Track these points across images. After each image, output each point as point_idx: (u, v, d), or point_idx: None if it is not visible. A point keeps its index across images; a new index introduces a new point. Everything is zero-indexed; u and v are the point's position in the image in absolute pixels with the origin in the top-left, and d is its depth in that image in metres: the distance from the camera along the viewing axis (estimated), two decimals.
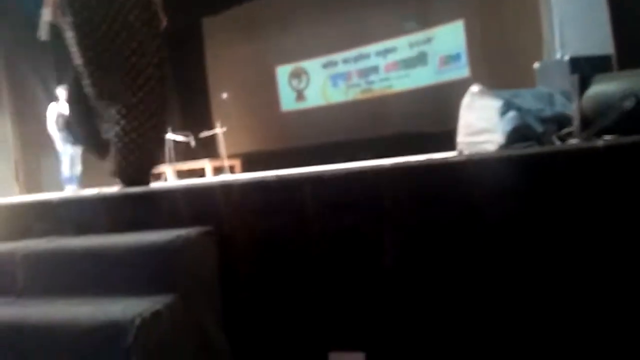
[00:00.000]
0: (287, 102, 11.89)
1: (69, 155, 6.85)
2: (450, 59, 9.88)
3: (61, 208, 2.31)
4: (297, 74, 11.68)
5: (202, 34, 12.45)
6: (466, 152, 3.38)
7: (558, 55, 4.49)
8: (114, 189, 2.80)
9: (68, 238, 2.15)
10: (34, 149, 9.08)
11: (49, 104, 9.12)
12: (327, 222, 1.97)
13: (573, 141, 3.24)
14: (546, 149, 2.20)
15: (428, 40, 10.06)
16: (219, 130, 7.46)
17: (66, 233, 2.23)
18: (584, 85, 2.61)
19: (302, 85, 11.65)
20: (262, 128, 11.75)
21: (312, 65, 11.45)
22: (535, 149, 2.33)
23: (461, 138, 3.55)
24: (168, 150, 7.22)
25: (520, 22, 8.49)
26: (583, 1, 4.11)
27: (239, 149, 10.40)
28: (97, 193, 2.52)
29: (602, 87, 2.61)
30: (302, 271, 2.00)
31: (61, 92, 7.25)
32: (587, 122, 2.65)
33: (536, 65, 4.46)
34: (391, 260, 1.92)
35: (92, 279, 1.92)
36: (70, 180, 6.84)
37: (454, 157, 2.05)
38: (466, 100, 3.55)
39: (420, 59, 10.21)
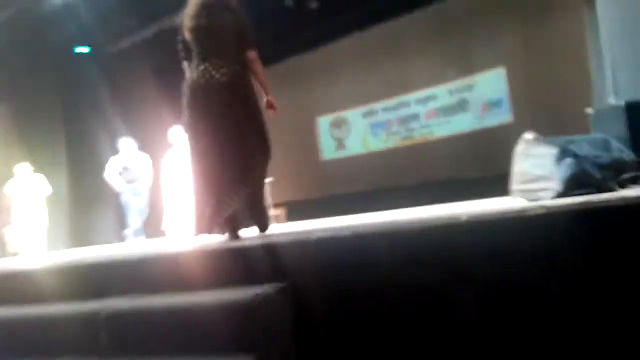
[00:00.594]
0: (328, 151, 12.07)
1: (133, 208, 6.95)
2: (492, 105, 9.90)
3: (141, 265, 2.38)
4: (337, 124, 11.90)
5: None
6: (522, 200, 3.34)
7: (612, 101, 4.43)
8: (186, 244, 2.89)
9: (148, 296, 2.20)
10: (87, 202, 9.47)
11: (108, 157, 9.57)
12: (403, 278, 1.96)
13: (635, 188, 3.16)
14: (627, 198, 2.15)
15: (469, 88, 10.14)
16: (266, 180, 7.57)
17: (145, 291, 2.28)
18: None
19: (343, 134, 11.83)
20: (304, 177, 11.92)
21: (353, 115, 11.66)
22: (614, 198, 2.28)
23: (516, 186, 3.52)
24: None
25: (566, 67, 8.48)
26: (636, 45, 4.08)
27: (282, 198, 10.53)
28: (172, 250, 2.59)
29: None
30: (379, 328, 1.99)
31: (124, 144, 7.45)
32: None
33: (589, 110, 4.40)
34: (469, 318, 1.89)
35: (173, 338, 1.95)
36: (136, 232, 6.94)
37: (530, 208, 2.03)
38: (520, 148, 3.52)
39: (461, 106, 10.26)
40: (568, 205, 1.96)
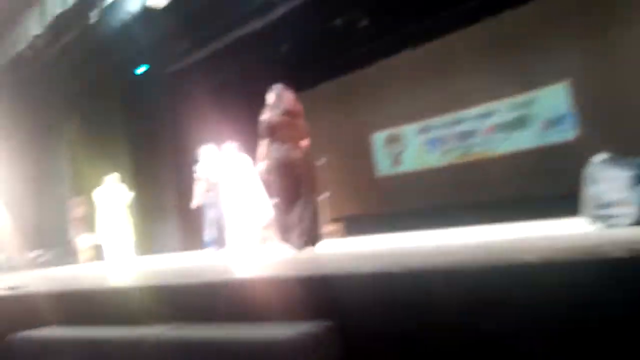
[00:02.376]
0: (384, 167, 11.88)
1: (211, 219, 6.92)
2: (554, 122, 9.42)
3: (182, 293, 2.31)
4: (393, 140, 11.71)
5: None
6: (596, 226, 3.12)
7: None
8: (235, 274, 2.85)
9: (190, 326, 2.12)
10: (150, 212, 9.74)
11: (167, 170, 9.85)
12: (462, 322, 1.77)
13: None
14: None
15: (529, 103, 9.73)
16: (322, 196, 7.52)
17: (186, 319, 2.21)
18: None
19: (398, 150, 11.62)
20: (361, 193, 11.81)
21: (408, 131, 11.45)
22: None
23: (588, 210, 3.30)
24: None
25: (636, 79, 7.95)
26: None
27: (339, 213, 10.47)
28: (217, 279, 2.52)
29: None
30: None
31: (206, 152, 7.31)
32: None
33: None
34: None
35: None
36: (211, 243, 6.96)
37: (610, 249, 1.79)
38: (591, 170, 3.32)
39: (521, 122, 9.85)
40: None
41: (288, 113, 4.37)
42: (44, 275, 5.91)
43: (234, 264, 4.07)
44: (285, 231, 4.18)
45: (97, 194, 7.67)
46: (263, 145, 4.30)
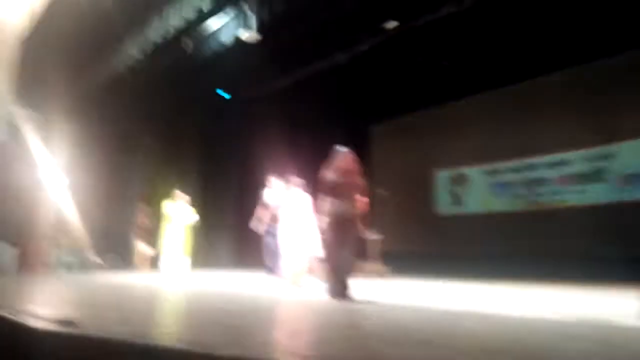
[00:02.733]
0: (444, 206, 11.70)
1: (269, 246, 7.10)
2: (635, 178, 8.92)
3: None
4: (457, 180, 11.52)
5: (369, 141, 13.11)
6: None
7: None
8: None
9: None
10: (209, 230, 10.15)
11: (232, 193, 10.26)
12: None
13: None
14: None
15: (608, 156, 9.26)
16: (375, 236, 7.58)
17: None
18: None
19: (461, 190, 11.41)
20: (417, 229, 11.66)
21: (474, 172, 11.22)
22: None
23: None
24: None
25: None
26: None
27: (394, 247, 10.29)
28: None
29: None
30: None
31: (274, 181, 7.36)
32: None
33: None
34: None
35: None
36: (268, 270, 7.13)
37: None
38: None
39: (597, 175, 9.38)
40: None
41: (347, 173, 4.78)
42: (100, 287, 6.28)
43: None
44: (330, 272, 4.67)
45: (166, 207, 8.10)
46: (325, 201, 4.74)
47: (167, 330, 2.52)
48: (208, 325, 2.70)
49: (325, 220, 4.69)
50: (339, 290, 4.50)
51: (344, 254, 4.59)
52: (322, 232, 4.83)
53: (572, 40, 8.58)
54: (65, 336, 2.21)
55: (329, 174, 4.78)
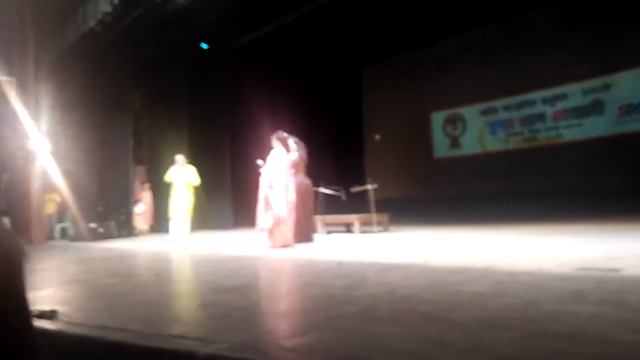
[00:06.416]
0: (441, 148, 11.52)
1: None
2: (634, 108, 8.70)
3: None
4: (452, 120, 11.28)
5: (361, 84, 12.74)
6: None
7: None
8: None
9: None
10: (205, 189, 9.92)
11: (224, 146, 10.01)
12: None
13: None
14: None
15: (605, 87, 9.00)
16: (369, 186, 7.39)
17: None
18: None
19: (458, 131, 11.20)
20: (415, 174, 11.53)
21: (470, 112, 10.98)
22: None
23: None
24: (320, 202, 7.35)
25: None
26: None
27: (391, 194, 10.17)
28: None
29: None
30: None
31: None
32: None
33: None
34: None
35: None
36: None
37: None
38: None
39: (596, 108, 9.16)
40: None
41: (302, 158, 6.41)
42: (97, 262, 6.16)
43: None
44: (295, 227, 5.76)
45: (170, 173, 7.89)
46: (290, 175, 5.93)
47: (152, 319, 2.38)
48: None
49: (293, 188, 5.72)
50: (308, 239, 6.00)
51: (306, 214, 6.10)
52: (289, 197, 5.66)
53: None
54: (43, 332, 2.07)
55: (290, 155, 6.00)
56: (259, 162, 5.98)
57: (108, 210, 9.28)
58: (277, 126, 6.78)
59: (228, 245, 6.44)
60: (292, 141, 6.35)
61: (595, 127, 9.18)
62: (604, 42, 8.71)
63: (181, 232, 7.67)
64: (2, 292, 0.71)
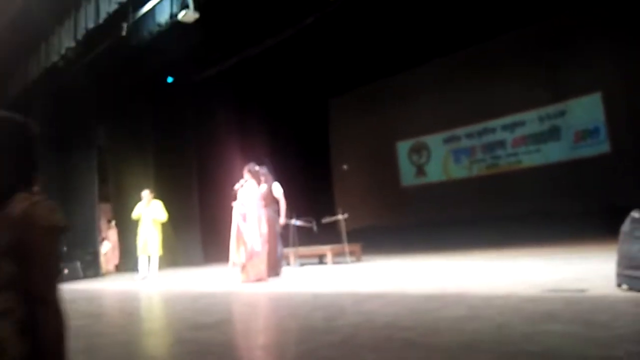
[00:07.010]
0: (407, 177, 11.74)
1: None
2: (587, 134, 9.14)
3: None
4: (417, 149, 11.55)
5: (328, 114, 12.95)
6: (626, 286, 2.95)
7: None
8: None
9: None
10: (172, 224, 9.75)
11: (192, 180, 9.91)
12: None
13: None
14: None
15: (561, 114, 9.45)
16: (340, 216, 7.46)
17: None
18: None
19: (423, 160, 11.46)
20: (383, 203, 11.68)
21: (433, 140, 11.28)
22: None
23: (621, 270, 3.12)
24: (292, 234, 7.35)
25: None
26: None
27: (360, 224, 10.25)
28: None
29: None
30: None
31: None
32: None
33: None
34: None
35: None
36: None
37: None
38: (625, 227, 3.11)
39: (553, 134, 9.57)
40: None
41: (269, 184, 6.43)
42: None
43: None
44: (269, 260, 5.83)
45: (136, 207, 7.72)
46: (260, 207, 5.95)
47: (130, 359, 2.34)
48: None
49: (264, 221, 5.80)
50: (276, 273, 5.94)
51: (277, 246, 6.18)
52: (262, 230, 5.73)
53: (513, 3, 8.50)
54: None
55: (260, 188, 6.03)
56: (237, 186, 5.88)
57: (73, 251, 8.98)
58: (245, 159, 6.80)
59: (200, 281, 6.33)
60: (261, 173, 6.30)
61: (552, 153, 9.56)
62: (558, 70, 9.19)
63: (150, 269, 7.49)
64: (46, 252, 1.00)
